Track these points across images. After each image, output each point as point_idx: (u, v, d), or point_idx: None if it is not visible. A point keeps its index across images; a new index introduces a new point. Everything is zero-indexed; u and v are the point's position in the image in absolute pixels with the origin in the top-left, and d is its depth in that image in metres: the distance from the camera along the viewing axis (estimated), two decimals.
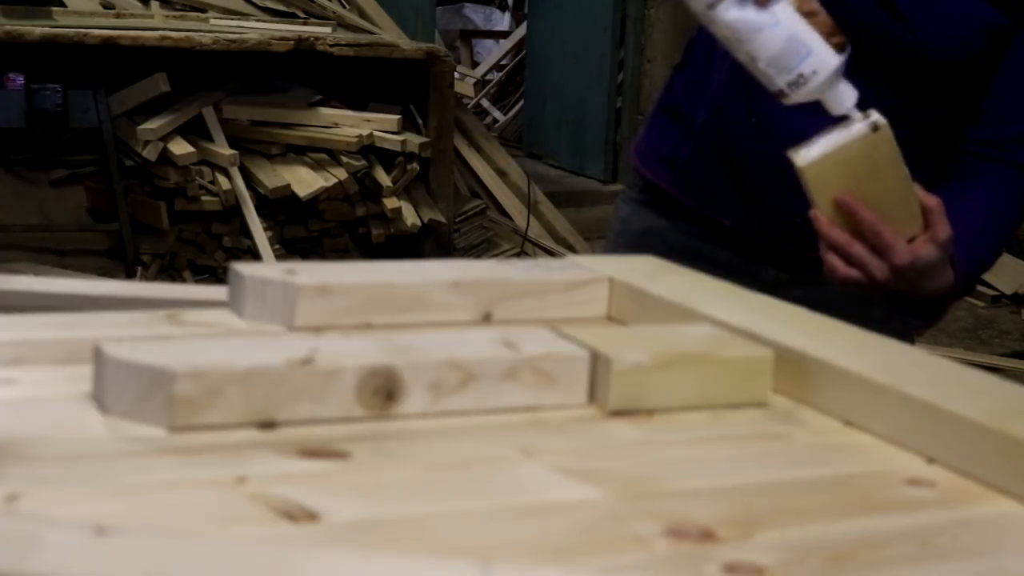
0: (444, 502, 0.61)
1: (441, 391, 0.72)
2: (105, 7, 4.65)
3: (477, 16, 8.59)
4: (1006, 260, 4.86)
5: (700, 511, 0.61)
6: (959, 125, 1.49)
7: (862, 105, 1.26)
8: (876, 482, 0.68)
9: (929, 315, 1.41)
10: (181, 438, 0.66)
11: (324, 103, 4.57)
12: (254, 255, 4.29)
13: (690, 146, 1.58)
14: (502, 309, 0.91)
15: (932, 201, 1.29)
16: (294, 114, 4.49)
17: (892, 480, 0.68)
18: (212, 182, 4.30)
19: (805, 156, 1.25)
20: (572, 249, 5.04)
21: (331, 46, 4.40)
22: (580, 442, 0.71)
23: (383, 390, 0.71)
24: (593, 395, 0.76)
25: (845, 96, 1.25)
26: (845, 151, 1.25)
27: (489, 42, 8.44)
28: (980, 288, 4.96)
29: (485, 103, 7.65)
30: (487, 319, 0.90)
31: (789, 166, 1.27)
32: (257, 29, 4.54)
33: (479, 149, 5.23)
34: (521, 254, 4.86)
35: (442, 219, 4.64)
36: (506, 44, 7.96)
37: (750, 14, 1.24)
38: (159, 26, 4.45)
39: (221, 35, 4.31)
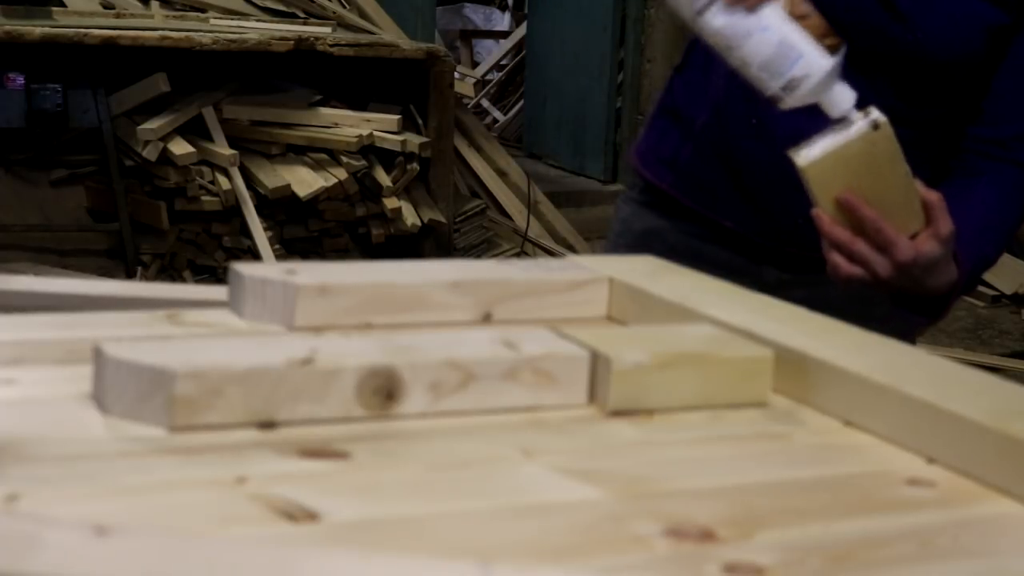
0: (444, 502, 0.61)
1: (441, 391, 0.72)
2: (105, 7, 4.65)
3: (477, 16, 8.59)
4: (1006, 260, 4.86)
5: (700, 511, 0.61)
6: (960, 125, 1.49)
7: (862, 105, 1.26)
8: (876, 482, 0.68)
9: (933, 312, 1.40)
10: (181, 438, 0.66)
11: (324, 103, 4.57)
12: (254, 255, 4.29)
13: (691, 147, 1.58)
14: (502, 309, 0.91)
15: (933, 197, 1.29)
16: (294, 114, 4.49)
17: (892, 480, 0.68)
18: (212, 182, 4.30)
19: (806, 155, 1.25)
20: (572, 249, 5.04)
21: (331, 46, 4.40)
22: (580, 442, 0.71)
23: (383, 390, 0.71)
24: (593, 395, 0.76)
25: (842, 98, 1.25)
26: (846, 149, 1.25)
27: (489, 42, 8.44)
28: (980, 288, 4.95)
29: (485, 103, 7.65)
30: (487, 319, 0.90)
31: (790, 167, 1.27)
32: (257, 29, 4.54)
33: (479, 149, 5.23)
34: (521, 254, 4.86)
35: (442, 219, 4.64)
36: (506, 44, 7.96)
37: (738, 20, 1.24)
38: (159, 26, 4.45)
39: (221, 35, 4.31)
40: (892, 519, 0.63)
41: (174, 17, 4.66)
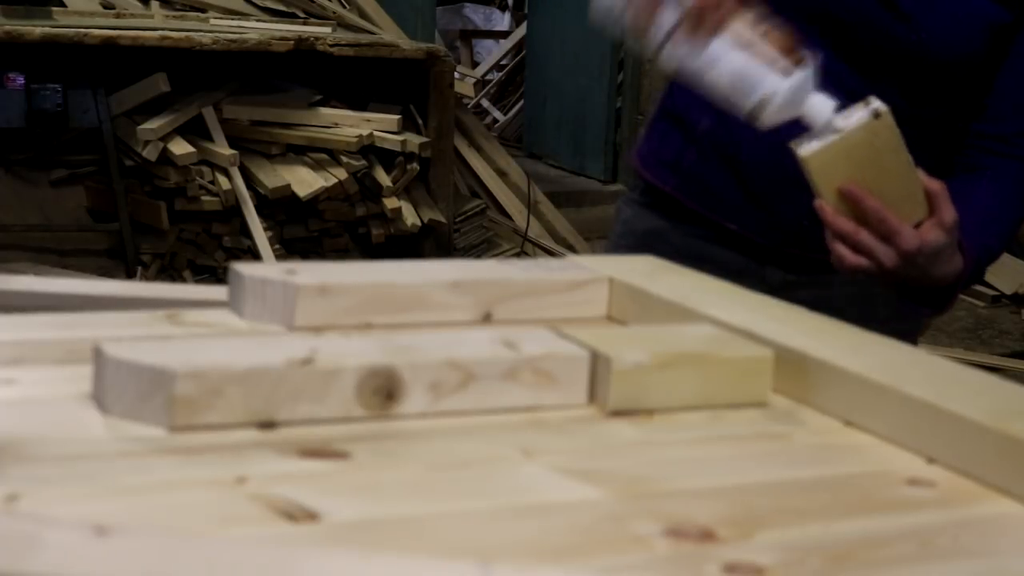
0: (444, 502, 0.61)
1: (441, 391, 0.72)
2: (105, 7, 4.65)
3: (477, 16, 8.59)
4: (1006, 260, 4.86)
5: (700, 511, 0.61)
6: (963, 123, 1.49)
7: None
8: (876, 482, 0.68)
9: (939, 303, 1.40)
10: (181, 438, 0.66)
11: (324, 103, 4.57)
12: (254, 255, 4.29)
13: (694, 151, 1.58)
14: (502, 309, 0.91)
15: (936, 185, 1.29)
16: (294, 114, 4.49)
17: (892, 480, 0.68)
18: (212, 182, 4.31)
19: (808, 146, 1.25)
20: (572, 249, 5.04)
21: (331, 46, 4.40)
22: (580, 442, 0.71)
23: (383, 390, 0.71)
24: (593, 395, 0.76)
25: (820, 108, 1.25)
26: (847, 140, 1.25)
27: (489, 42, 8.44)
28: (980, 288, 4.96)
29: (485, 103, 7.65)
30: (487, 319, 0.90)
31: (794, 169, 1.27)
32: (257, 29, 4.54)
33: (479, 149, 5.23)
34: (521, 254, 4.86)
35: (442, 219, 4.64)
36: (506, 44, 7.96)
37: (692, 55, 1.26)
38: (159, 26, 4.45)
39: (221, 35, 4.31)
40: (892, 519, 0.63)
41: (174, 17, 4.66)
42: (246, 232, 4.36)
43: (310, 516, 0.57)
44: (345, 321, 0.85)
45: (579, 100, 6.34)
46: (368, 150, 4.49)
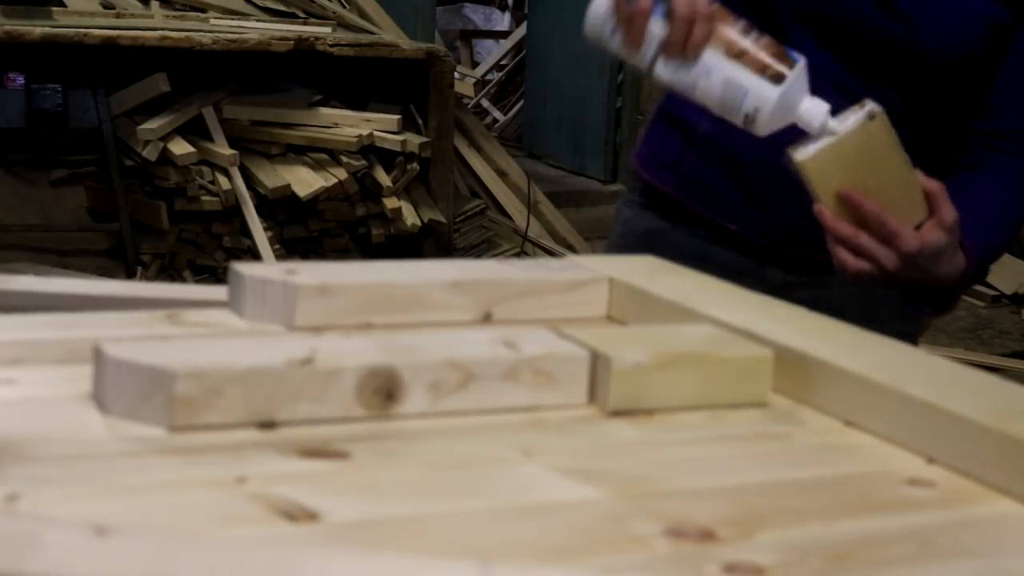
0: (444, 502, 0.61)
1: (441, 391, 0.72)
2: (105, 7, 4.65)
3: (477, 16, 8.59)
4: (1006, 260, 4.86)
5: (700, 511, 0.61)
6: (963, 122, 1.49)
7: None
8: (876, 482, 0.68)
9: (943, 303, 1.40)
10: (181, 438, 0.66)
11: (324, 103, 4.57)
12: (254, 255, 4.29)
13: (694, 153, 1.58)
14: (502, 309, 0.91)
15: (934, 185, 1.29)
16: (294, 114, 4.49)
17: (892, 480, 0.68)
18: (212, 182, 4.31)
19: (804, 151, 1.25)
20: (572, 249, 5.04)
21: (331, 46, 4.40)
22: (580, 442, 0.71)
23: (383, 390, 0.71)
24: (593, 395, 0.76)
25: (813, 113, 1.25)
26: (843, 143, 1.25)
27: (489, 42, 8.44)
28: (980, 288, 4.96)
29: (485, 103, 7.65)
30: (487, 319, 0.90)
31: (794, 170, 1.27)
32: (257, 29, 4.54)
33: (479, 149, 5.23)
34: (521, 254, 4.86)
35: (442, 219, 4.64)
36: (506, 44, 7.96)
37: (682, 70, 1.27)
38: (159, 26, 4.45)
39: (221, 35, 4.31)
40: (892, 519, 0.63)
41: (174, 17, 4.66)
42: (246, 232, 4.36)
43: (310, 516, 0.57)
44: (345, 321, 0.85)
45: (579, 100, 6.35)
46: (368, 150, 4.49)
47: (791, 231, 1.53)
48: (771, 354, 0.79)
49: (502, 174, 5.23)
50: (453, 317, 0.89)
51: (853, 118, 1.25)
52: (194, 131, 4.34)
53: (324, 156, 4.47)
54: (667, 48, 1.26)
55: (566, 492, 0.63)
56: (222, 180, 4.30)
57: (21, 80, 4.04)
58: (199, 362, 0.68)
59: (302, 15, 4.90)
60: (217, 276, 4.28)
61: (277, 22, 4.73)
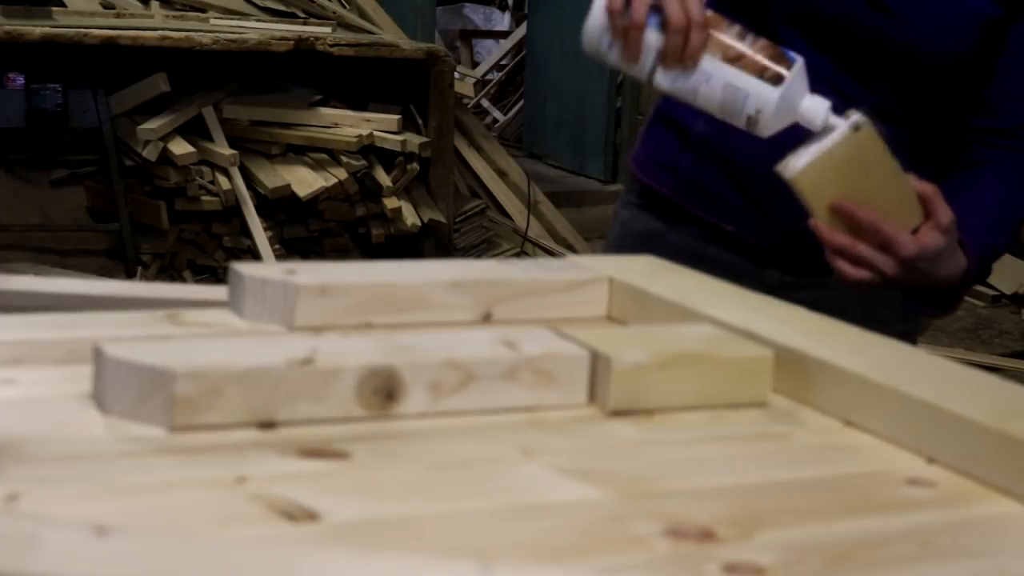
0: (444, 502, 0.61)
1: (441, 391, 0.72)
2: (105, 7, 4.65)
3: (477, 16, 8.59)
4: (1006, 260, 4.86)
5: (700, 511, 0.61)
6: (958, 121, 1.49)
7: (857, 106, 1.26)
8: (876, 482, 0.68)
9: (946, 303, 1.40)
10: (181, 438, 0.66)
11: (324, 103, 4.57)
12: (254, 255, 4.29)
13: (691, 155, 1.58)
14: (502, 309, 0.91)
15: (928, 188, 1.29)
16: (294, 114, 4.49)
17: (892, 480, 0.68)
18: (212, 182, 4.31)
19: (793, 167, 1.26)
20: (572, 249, 5.04)
21: (331, 46, 4.40)
22: (580, 442, 0.71)
23: (383, 390, 0.71)
24: (593, 395, 0.76)
25: (816, 110, 1.26)
26: (832, 155, 1.25)
27: (489, 42, 8.44)
28: (980, 288, 4.96)
29: (485, 103, 7.65)
30: (487, 319, 0.90)
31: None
32: (257, 29, 4.54)
33: (479, 149, 5.23)
34: (521, 254, 4.86)
35: (442, 219, 4.64)
36: (506, 44, 7.96)
37: (681, 77, 1.27)
38: (159, 26, 4.45)
39: (221, 35, 4.31)
40: (892, 519, 0.63)
41: (174, 17, 4.66)
42: (246, 232, 4.36)
43: (310, 516, 0.57)
44: (345, 321, 0.85)
45: (579, 100, 6.35)
46: (368, 150, 4.49)
47: (789, 232, 1.52)
48: (771, 354, 0.79)
49: (502, 174, 5.23)
50: (453, 317, 0.89)
51: (838, 130, 1.25)
52: (194, 131, 4.34)
53: (324, 156, 4.47)
54: (665, 58, 1.26)
55: (566, 492, 0.63)
56: (222, 180, 4.30)
57: (21, 80, 4.04)
58: (199, 362, 0.68)
59: (302, 15, 4.90)
60: (217, 276, 4.28)
61: (277, 22, 4.73)
